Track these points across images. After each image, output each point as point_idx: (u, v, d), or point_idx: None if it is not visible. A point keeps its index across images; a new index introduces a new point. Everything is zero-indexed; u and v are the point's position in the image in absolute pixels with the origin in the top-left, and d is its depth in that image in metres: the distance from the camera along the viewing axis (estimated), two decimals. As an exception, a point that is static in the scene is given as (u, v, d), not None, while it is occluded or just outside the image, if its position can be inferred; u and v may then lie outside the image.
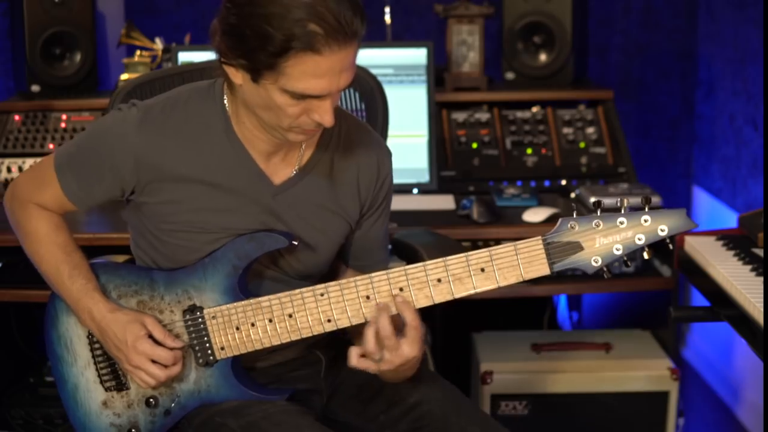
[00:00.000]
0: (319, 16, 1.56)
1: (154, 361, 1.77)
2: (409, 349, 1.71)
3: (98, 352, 1.87)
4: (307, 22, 1.56)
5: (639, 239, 1.66)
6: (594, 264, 1.68)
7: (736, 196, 3.40)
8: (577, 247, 1.68)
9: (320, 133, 1.78)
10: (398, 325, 1.72)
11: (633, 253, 1.68)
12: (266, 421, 1.76)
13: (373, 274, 1.74)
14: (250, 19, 1.58)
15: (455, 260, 1.71)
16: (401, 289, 1.73)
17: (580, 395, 2.77)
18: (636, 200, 1.71)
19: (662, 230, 1.66)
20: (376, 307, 1.72)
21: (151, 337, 1.78)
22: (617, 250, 1.67)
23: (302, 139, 1.75)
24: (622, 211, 1.67)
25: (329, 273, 1.95)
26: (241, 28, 1.60)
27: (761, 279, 2.04)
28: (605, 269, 1.69)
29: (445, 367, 2.79)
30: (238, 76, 1.66)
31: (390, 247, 2.61)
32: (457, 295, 1.73)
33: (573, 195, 2.89)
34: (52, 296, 1.91)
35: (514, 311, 3.28)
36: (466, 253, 1.72)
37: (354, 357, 1.74)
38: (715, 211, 3.61)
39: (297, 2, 1.56)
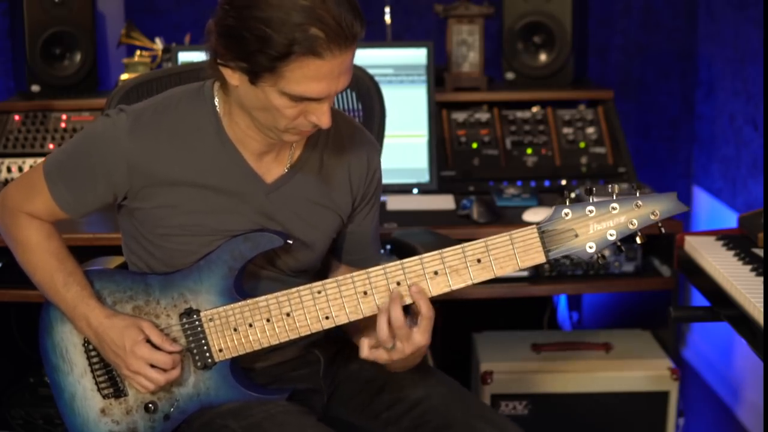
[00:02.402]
0: (320, 20, 1.56)
1: (152, 366, 1.77)
2: (421, 337, 1.72)
3: (95, 360, 1.86)
4: (308, 26, 1.55)
5: (632, 224, 1.69)
6: (589, 250, 1.70)
7: (736, 196, 3.40)
8: (572, 234, 1.70)
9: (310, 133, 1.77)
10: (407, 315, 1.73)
11: (627, 239, 1.70)
12: (268, 421, 1.76)
13: (369, 270, 1.74)
14: (250, 22, 1.57)
15: (451, 252, 1.72)
16: (398, 283, 1.73)
17: (580, 395, 2.77)
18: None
19: (654, 214, 1.69)
20: (389, 296, 1.72)
21: (149, 341, 1.77)
22: (611, 235, 1.69)
23: (297, 140, 1.75)
24: (614, 197, 1.69)
25: (322, 269, 1.96)
26: (240, 31, 1.59)
27: (761, 279, 2.04)
28: (599, 255, 1.71)
29: (445, 367, 2.77)
30: (234, 78, 1.65)
31: (390, 246, 2.62)
32: (455, 287, 1.73)
33: (573, 194, 2.88)
34: (46, 305, 1.90)
35: (514, 311, 3.28)
36: (461, 245, 1.72)
37: (366, 348, 1.74)
38: (715, 211, 3.61)
39: (297, 5, 1.55)
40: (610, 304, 3.60)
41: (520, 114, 3.19)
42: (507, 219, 2.77)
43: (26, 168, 2.95)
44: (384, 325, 1.71)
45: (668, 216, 1.69)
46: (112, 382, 1.85)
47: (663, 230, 1.72)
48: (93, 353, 1.86)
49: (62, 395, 1.89)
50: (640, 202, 1.68)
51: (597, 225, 1.69)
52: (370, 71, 2.29)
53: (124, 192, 1.79)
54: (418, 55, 2.98)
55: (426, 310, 1.72)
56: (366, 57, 2.96)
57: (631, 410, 2.78)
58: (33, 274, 1.87)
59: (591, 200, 1.70)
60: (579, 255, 1.70)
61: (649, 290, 2.90)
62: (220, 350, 1.80)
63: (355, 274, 1.75)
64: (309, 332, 1.78)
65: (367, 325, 1.79)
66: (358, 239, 1.94)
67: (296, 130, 1.69)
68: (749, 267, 2.11)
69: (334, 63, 1.59)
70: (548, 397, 2.77)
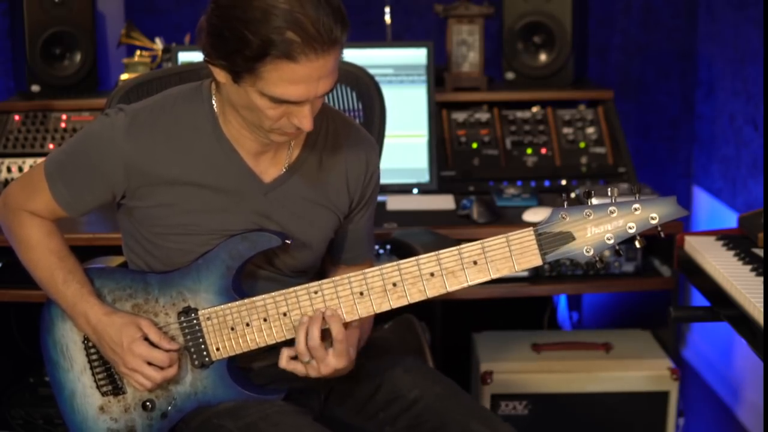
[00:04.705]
0: (298, 24, 1.56)
1: (150, 364, 1.77)
2: (335, 361, 1.74)
3: (94, 357, 1.87)
4: (285, 29, 1.56)
5: (630, 228, 1.67)
6: (586, 253, 1.69)
7: (736, 196, 3.40)
8: (569, 237, 1.69)
9: (307, 132, 1.77)
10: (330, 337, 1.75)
11: (625, 242, 1.68)
12: (264, 421, 1.76)
13: (366, 271, 1.74)
14: (231, 22, 1.59)
15: (448, 254, 1.72)
16: (394, 284, 1.73)
17: (580, 395, 2.77)
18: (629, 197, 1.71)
19: (653, 218, 1.67)
20: (309, 317, 1.74)
21: (146, 339, 1.78)
22: (609, 239, 1.68)
23: (284, 140, 1.76)
24: (613, 200, 1.67)
25: (321, 268, 1.96)
26: (221, 30, 1.61)
27: (761, 279, 2.03)
28: (597, 258, 1.69)
29: (445, 367, 2.78)
30: (221, 75, 1.67)
31: (389, 246, 2.62)
32: (450, 289, 1.73)
33: (573, 195, 2.89)
34: (48, 302, 1.91)
35: (514, 311, 3.28)
36: (458, 247, 1.72)
37: (284, 359, 1.76)
38: (715, 211, 3.61)
39: (277, 8, 1.56)
40: (610, 304, 3.60)
41: (520, 114, 3.19)
42: (507, 219, 2.77)
43: (26, 168, 2.95)
44: (302, 339, 1.73)
45: (668, 220, 1.66)
46: (110, 380, 1.86)
47: (663, 234, 1.70)
48: (93, 350, 1.86)
49: (62, 392, 1.90)
50: (639, 206, 1.66)
51: (595, 228, 1.68)
52: (370, 71, 2.29)
53: (122, 191, 1.80)
54: (418, 55, 2.98)
55: (336, 333, 1.73)
56: (366, 57, 2.96)
57: (631, 410, 2.78)
58: (34, 272, 1.88)
59: (589, 203, 1.68)
60: (576, 258, 1.69)
61: (649, 290, 2.90)
62: (218, 349, 1.80)
63: (351, 274, 1.75)
64: (306, 332, 1.78)
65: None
66: (354, 238, 1.95)
67: (281, 131, 1.70)
68: (749, 267, 2.11)
69: (312, 67, 1.59)
70: (548, 397, 2.77)
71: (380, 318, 1.86)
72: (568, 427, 2.80)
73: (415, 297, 1.74)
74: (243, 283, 1.83)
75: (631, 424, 2.79)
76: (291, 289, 1.77)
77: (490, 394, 2.76)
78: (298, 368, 1.76)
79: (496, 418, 1.84)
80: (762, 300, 1.91)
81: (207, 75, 1.78)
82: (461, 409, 1.83)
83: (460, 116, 3.17)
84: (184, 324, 1.81)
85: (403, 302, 1.75)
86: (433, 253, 1.72)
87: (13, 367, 3.07)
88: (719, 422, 3.41)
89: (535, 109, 3.19)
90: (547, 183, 3.08)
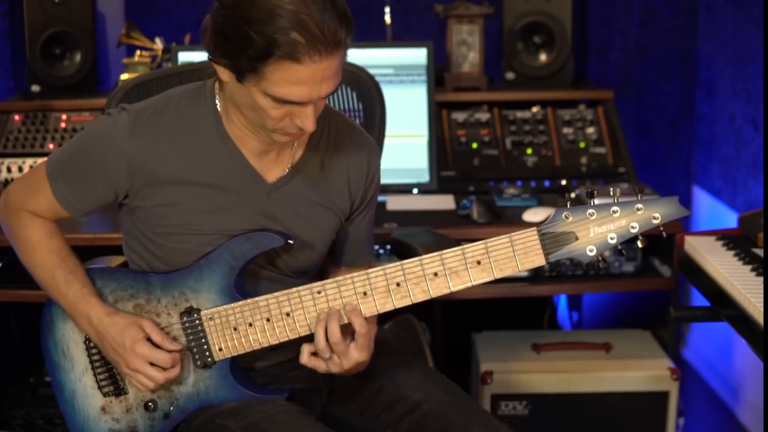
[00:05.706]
0: (302, 25, 1.56)
1: (152, 364, 1.77)
2: (358, 354, 1.75)
3: (96, 358, 1.87)
4: (290, 30, 1.56)
5: (633, 227, 1.68)
6: (589, 253, 1.69)
7: (736, 196, 3.40)
8: (572, 236, 1.69)
9: (310, 134, 1.78)
10: (350, 331, 1.75)
11: (628, 242, 1.69)
12: (267, 421, 1.77)
13: (369, 270, 1.74)
14: (235, 21, 1.59)
15: (451, 254, 1.72)
16: (398, 284, 1.73)
17: (580, 395, 2.77)
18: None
19: (655, 218, 1.68)
20: (327, 313, 1.74)
21: (149, 340, 1.78)
22: (612, 239, 1.69)
23: (286, 140, 1.76)
24: (615, 200, 1.68)
25: (321, 270, 1.96)
26: (226, 29, 1.61)
27: (761, 279, 2.04)
28: (600, 258, 1.70)
29: (445, 367, 2.78)
30: (225, 74, 1.67)
31: (389, 246, 2.62)
32: (454, 289, 1.73)
33: (573, 195, 2.89)
34: (49, 302, 1.91)
35: (514, 311, 3.28)
36: (461, 246, 1.72)
37: (306, 355, 1.76)
38: (715, 211, 3.61)
39: (282, 9, 1.56)
40: (610, 304, 3.60)
41: (520, 114, 3.19)
42: (507, 219, 2.77)
43: (26, 168, 2.95)
44: (321, 336, 1.73)
45: (669, 220, 1.68)
46: (112, 380, 1.86)
47: (665, 234, 1.71)
48: (94, 351, 1.86)
49: (63, 393, 1.90)
50: (641, 206, 1.67)
51: (598, 228, 1.69)
52: (370, 71, 2.29)
53: (124, 191, 1.79)
54: (418, 55, 2.98)
55: (360, 327, 1.74)
56: (366, 57, 2.96)
57: (631, 410, 2.78)
58: (35, 272, 1.87)
59: (592, 203, 1.69)
60: (579, 258, 1.69)
61: (649, 290, 2.90)
62: (220, 349, 1.80)
63: (354, 274, 1.75)
64: (309, 332, 1.78)
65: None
66: (354, 240, 1.95)
67: (283, 131, 1.70)
68: (749, 267, 2.11)
69: (315, 69, 1.59)
70: (548, 397, 2.77)
71: (380, 318, 1.86)
72: (568, 427, 2.80)
73: (418, 297, 1.75)
74: (245, 283, 1.83)
75: (631, 424, 2.80)
76: (294, 290, 1.77)
77: (490, 394, 2.76)
78: (319, 365, 1.77)
79: (499, 423, 1.83)
80: (762, 300, 1.91)
81: (209, 75, 1.78)
82: (464, 414, 1.82)
83: (460, 116, 3.18)
84: (187, 324, 1.81)
85: (407, 302, 1.75)
86: (436, 253, 1.72)
87: (13, 367, 3.07)
88: (719, 422, 3.41)
89: (535, 109, 3.19)
90: (547, 183, 3.08)
